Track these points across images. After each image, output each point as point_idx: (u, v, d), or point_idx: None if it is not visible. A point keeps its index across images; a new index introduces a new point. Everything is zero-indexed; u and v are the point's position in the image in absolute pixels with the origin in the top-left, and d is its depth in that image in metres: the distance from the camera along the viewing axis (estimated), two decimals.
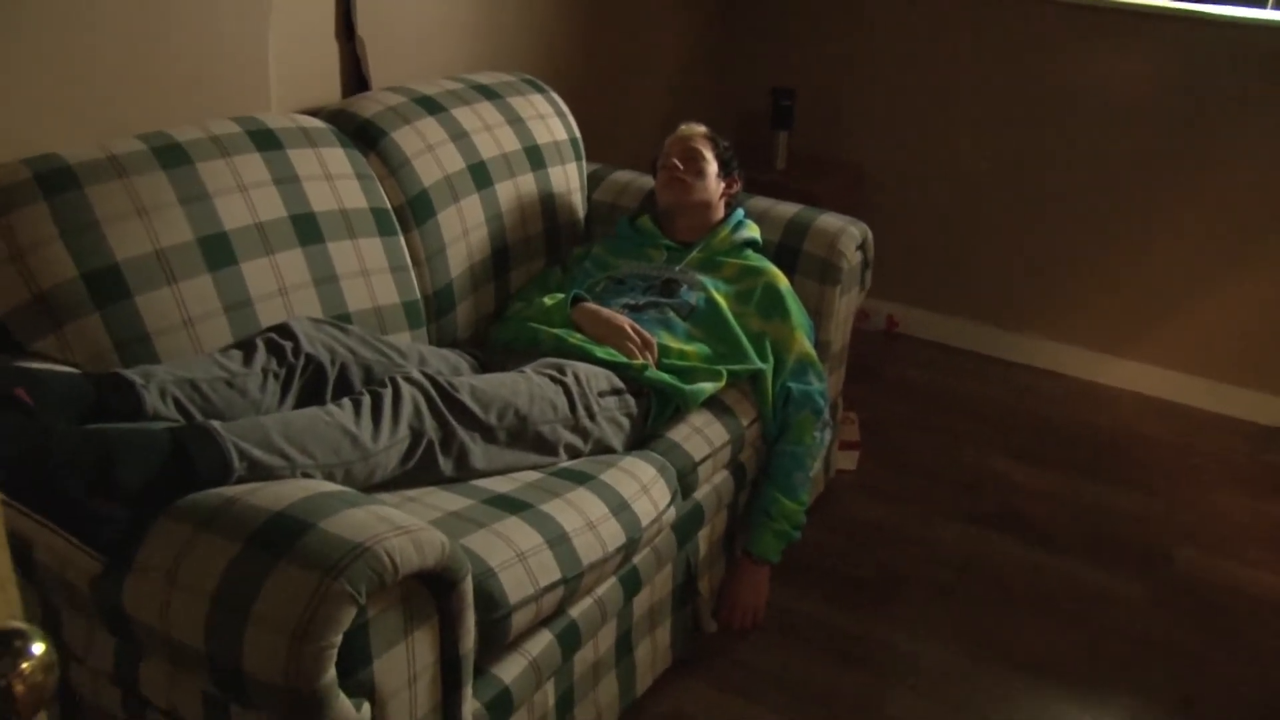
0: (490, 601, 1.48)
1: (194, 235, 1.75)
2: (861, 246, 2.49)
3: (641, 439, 2.03)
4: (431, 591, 1.35)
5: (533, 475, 1.78)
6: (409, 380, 1.66)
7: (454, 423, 1.67)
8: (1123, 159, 3.25)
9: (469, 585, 1.38)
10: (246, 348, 1.73)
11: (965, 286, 3.61)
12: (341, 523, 1.26)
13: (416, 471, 1.65)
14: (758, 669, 2.14)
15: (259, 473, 1.41)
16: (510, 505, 1.64)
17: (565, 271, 2.46)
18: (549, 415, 1.81)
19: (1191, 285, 3.27)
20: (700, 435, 2.05)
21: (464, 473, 1.71)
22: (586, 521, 1.68)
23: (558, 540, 1.61)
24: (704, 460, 2.03)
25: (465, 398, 1.70)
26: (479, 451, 1.71)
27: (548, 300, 2.20)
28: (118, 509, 1.31)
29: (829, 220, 2.46)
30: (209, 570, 1.23)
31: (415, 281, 2.14)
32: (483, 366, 2.07)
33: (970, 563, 2.52)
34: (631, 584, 1.84)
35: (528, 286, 2.42)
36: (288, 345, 1.75)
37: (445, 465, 1.67)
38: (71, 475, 1.28)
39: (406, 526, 1.28)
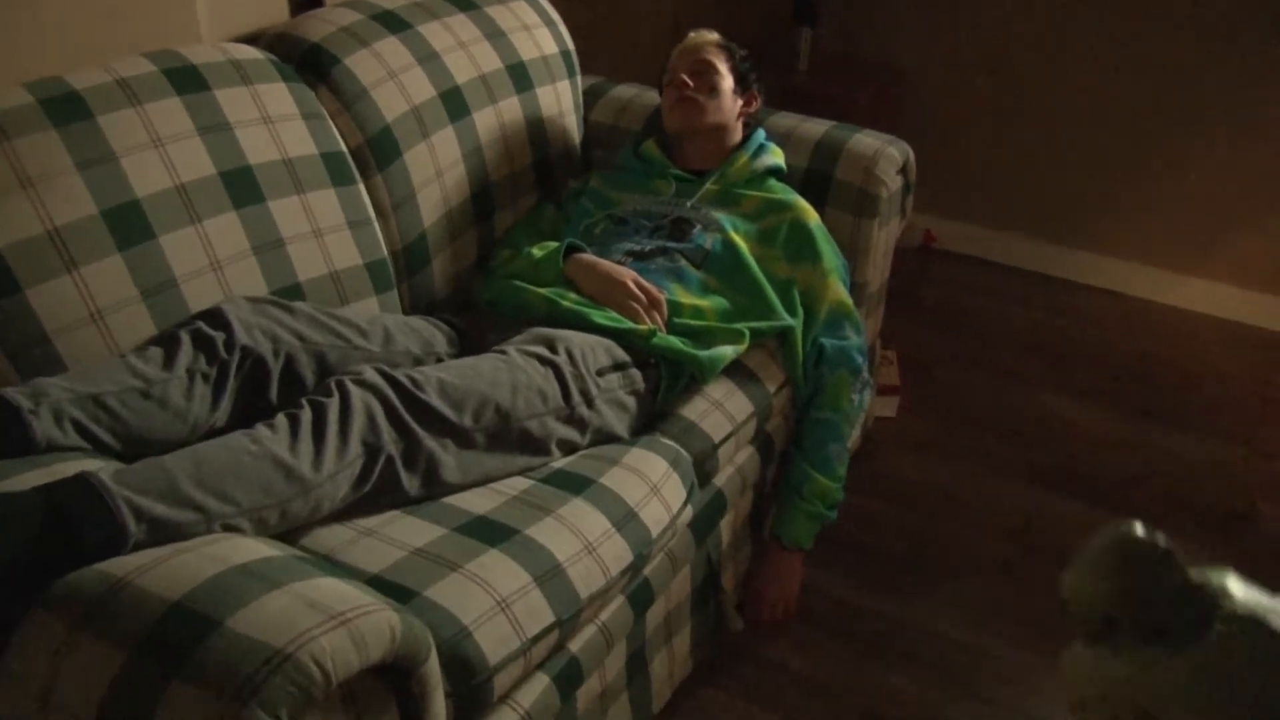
0: (466, 667, 1.20)
1: (97, 208, 1.44)
2: (903, 169, 2.14)
3: (651, 417, 1.73)
4: (386, 681, 1.08)
5: (519, 484, 1.49)
6: (361, 383, 1.36)
7: (419, 430, 1.38)
8: (1190, 46, 2.85)
9: (433, 664, 1.11)
10: (168, 344, 1.43)
11: (1011, 196, 3.24)
12: (255, 617, 0.97)
13: (375, 495, 1.36)
14: (790, 672, 1.88)
15: (164, 532, 1.12)
16: (490, 533, 1.36)
17: (560, 208, 2.13)
18: (537, 407, 1.51)
19: (1273, 192, 2.89)
20: (720, 410, 1.76)
21: (435, 489, 1.42)
22: (584, 544, 1.39)
23: (549, 575, 1.33)
24: (725, 440, 1.73)
25: (432, 398, 1.40)
26: (452, 462, 1.42)
27: (537, 251, 1.88)
28: None
29: (864, 140, 2.11)
30: (90, 686, 0.96)
31: (381, 236, 1.82)
32: (462, 336, 1.76)
33: (1030, 529, 2.23)
34: (643, 599, 1.57)
35: (515, 229, 2.09)
36: (219, 337, 1.45)
37: (411, 484, 1.39)
38: None
39: (343, 613, 1.00)
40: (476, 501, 1.43)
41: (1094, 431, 2.54)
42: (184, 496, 1.14)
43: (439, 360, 1.68)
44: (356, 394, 1.34)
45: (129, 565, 1.04)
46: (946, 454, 2.45)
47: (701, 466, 1.69)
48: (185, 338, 1.43)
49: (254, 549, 1.10)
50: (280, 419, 1.30)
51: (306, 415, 1.30)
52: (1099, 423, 2.57)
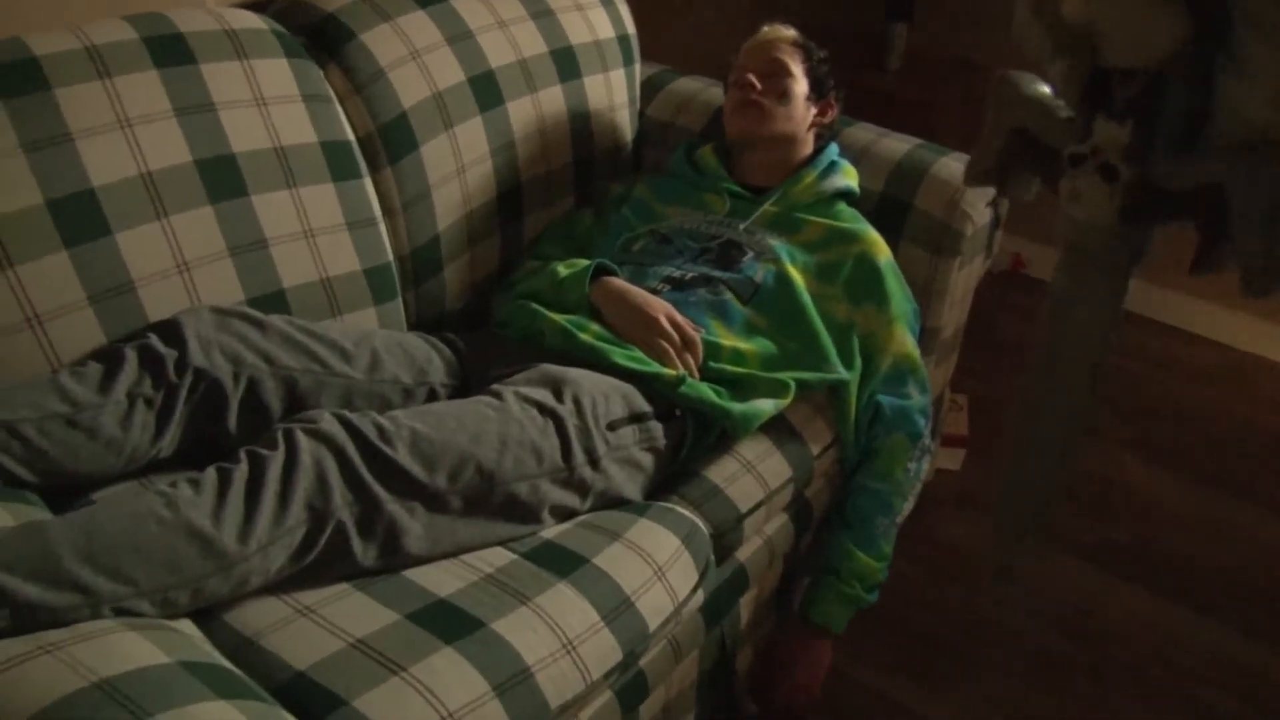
0: None
1: (43, 196, 1.25)
2: (994, 201, 1.87)
3: (670, 476, 1.51)
4: None
5: (497, 557, 1.27)
6: (314, 434, 1.15)
7: (380, 492, 1.17)
8: None
9: None
10: (110, 361, 1.24)
11: None
12: None
13: (320, 566, 1.16)
14: None
15: (33, 619, 0.93)
16: (448, 624, 1.14)
17: (598, 216, 1.90)
18: (528, 468, 1.29)
19: None
20: (751, 473, 1.52)
21: (395, 560, 1.21)
22: (562, 643, 1.18)
23: (511, 682, 1.12)
24: (754, 510, 1.50)
25: (400, 454, 1.19)
26: (419, 529, 1.21)
27: (562, 269, 1.66)
28: None
29: (951, 165, 1.84)
30: None
31: (386, 238, 1.62)
32: (462, 361, 1.55)
33: (1090, 619, 1.96)
34: (634, 695, 1.35)
35: (544, 235, 1.87)
36: (170, 355, 1.25)
37: (365, 555, 1.18)
38: None
39: None
40: (441, 579, 1.21)
41: (1179, 508, 2.24)
42: (65, 575, 0.95)
43: (431, 392, 1.48)
44: (306, 447, 1.13)
45: None
46: None
47: (721, 540, 1.46)
48: (130, 355, 1.24)
49: (131, 654, 0.90)
50: (209, 475, 1.09)
51: (241, 472, 1.10)
52: (1185, 499, 2.27)
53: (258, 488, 1.09)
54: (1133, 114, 0.61)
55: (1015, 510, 0.75)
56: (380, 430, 1.19)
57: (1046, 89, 0.65)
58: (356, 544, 1.16)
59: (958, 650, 1.89)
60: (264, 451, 1.12)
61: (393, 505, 1.18)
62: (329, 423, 1.17)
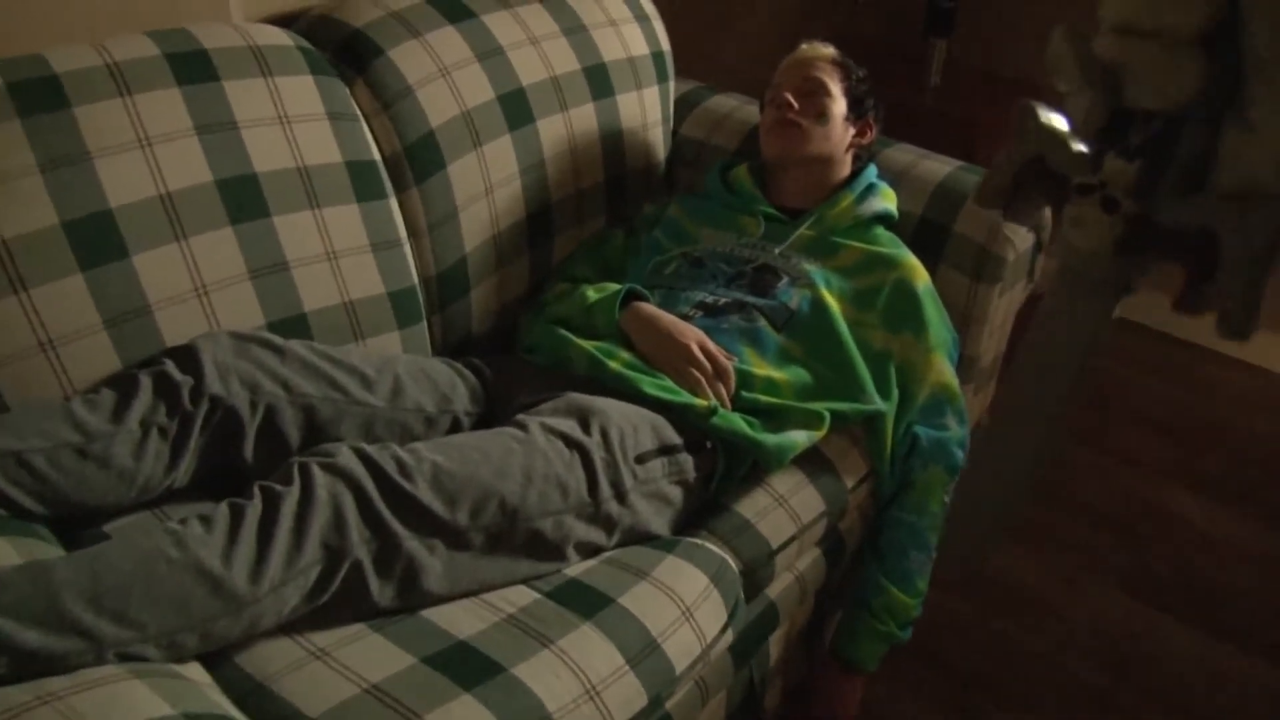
0: None
1: (59, 218, 1.22)
2: (1037, 226, 1.81)
3: (699, 509, 1.46)
4: None
5: (519, 596, 1.22)
6: (330, 469, 1.11)
7: (399, 529, 1.13)
8: None
9: None
10: (124, 387, 1.20)
11: None
12: None
13: (335, 606, 1.11)
14: None
15: (33, 665, 0.89)
16: (467, 668, 1.10)
17: (631, 236, 1.85)
18: (554, 503, 1.25)
19: None
20: (783, 508, 1.47)
21: (414, 599, 1.17)
22: (585, 688, 1.13)
23: None
24: (785, 546, 1.45)
25: (421, 490, 1.14)
26: (439, 568, 1.17)
27: (592, 293, 1.61)
28: None
29: None
30: None
31: (411, 260, 1.58)
32: (487, 388, 1.51)
33: (1133, 656, 1.89)
34: None
35: (574, 256, 1.82)
36: (185, 383, 1.21)
37: (382, 594, 1.13)
38: None
39: None
40: (461, 619, 1.17)
41: (1219, 539, 2.17)
42: (68, 620, 0.91)
43: (455, 421, 1.43)
44: (322, 483, 1.09)
45: None
46: (1042, 548, 2.11)
47: (752, 577, 1.41)
48: (145, 381, 1.21)
49: (134, 705, 0.86)
50: (221, 511, 1.05)
51: (254, 509, 1.06)
52: (1227, 528, 2.20)
53: (271, 525, 1.05)
54: (1143, 155, 0.64)
55: (978, 515, 0.78)
56: (400, 465, 1.15)
57: (1064, 122, 0.68)
58: (374, 583, 1.12)
59: (996, 686, 1.82)
60: (278, 487, 1.08)
61: (412, 543, 1.14)
62: (346, 457, 1.13)
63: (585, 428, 1.32)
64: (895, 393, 1.61)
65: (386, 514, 1.12)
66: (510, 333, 1.75)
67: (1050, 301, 0.71)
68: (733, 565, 1.37)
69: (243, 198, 1.36)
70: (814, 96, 1.74)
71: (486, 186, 1.65)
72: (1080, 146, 0.65)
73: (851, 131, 1.79)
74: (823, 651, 1.66)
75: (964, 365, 1.77)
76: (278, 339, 1.32)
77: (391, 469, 1.14)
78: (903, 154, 1.88)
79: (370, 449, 1.15)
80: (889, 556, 1.59)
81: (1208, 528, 2.20)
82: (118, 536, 1.06)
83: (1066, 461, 2.35)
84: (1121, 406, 2.56)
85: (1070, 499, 2.24)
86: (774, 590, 1.49)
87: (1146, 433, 2.47)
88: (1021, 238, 1.75)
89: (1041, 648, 1.90)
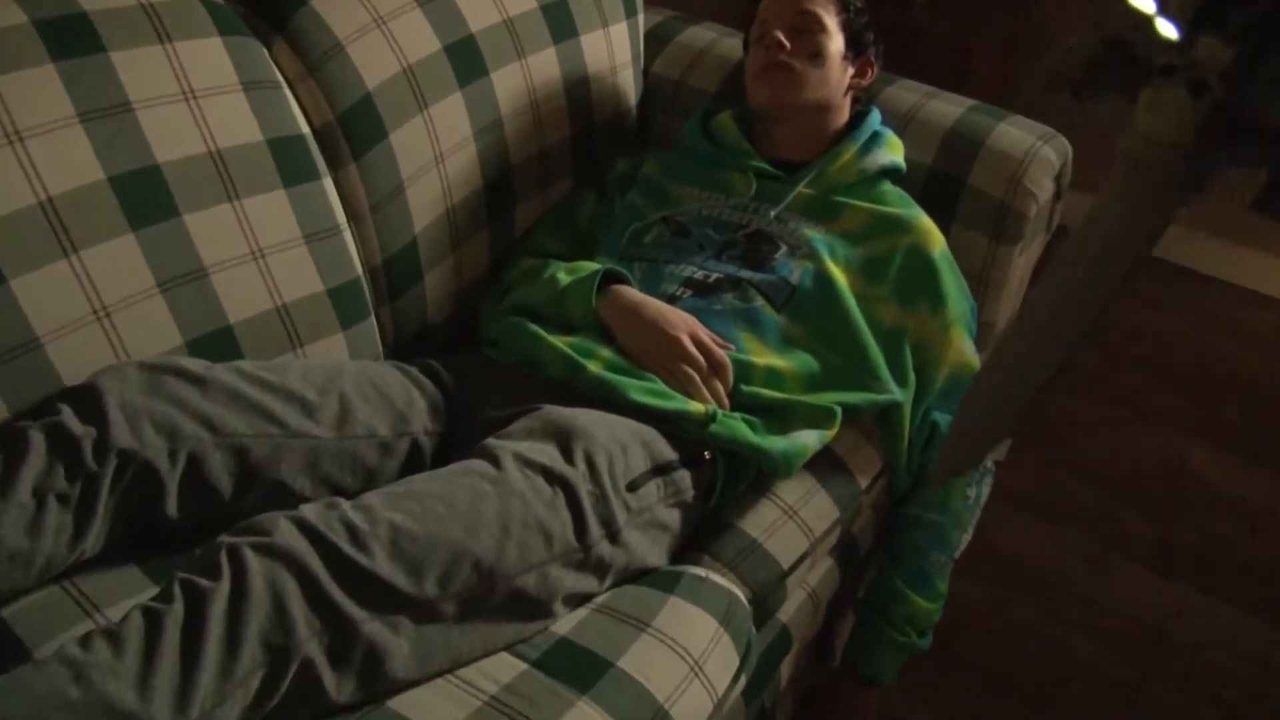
0: None
1: None
2: (1058, 175, 1.61)
3: (699, 526, 1.28)
4: None
5: (500, 668, 1.04)
6: (267, 550, 0.91)
7: (355, 613, 0.93)
8: None
9: None
10: (10, 448, 0.99)
11: None
12: None
13: (284, 711, 0.93)
14: None
15: None
16: None
17: (602, 200, 1.63)
18: (536, 554, 1.06)
19: None
20: (794, 521, 1.30)
21: (378, 688, 0.98)
22: None
23: None
24: (797, 564, 1.28)
25: (379, 562, 0.95)
26: (405, 649, 0.98)
27: (564, 275, 1.41)
28: None
29: (1012, 135, 1.58)
30: None
31: (353, 248, 1.35)
32: (449, 397, 1.30)
33: (1165, 644, 1.76)
34: None
35: (540, 225, 1.61)
36: (87, 435, 1.00)
37: (340, 690, 0.95)
38: None
39: None
40: (436, 706, 0.98)
41: (1241, 498, 2.03)
42: None
43: (413, 444, 1.23)
44: (258, 569, 0.89)
45: None
46: (1058, 520, 1.96)
47: (762, 605, 1.24)
48: (36, 438, 0.99)
49: None
50: (132, 624, 0.85)
51: (175, 614, 0.86)
52: (1251, 487, 2.06)
53: (198, 635, 0.85)
54: (1244, 38, 0.59)
55: (982, 422, 0.76)
56: (352, 532, 0.95)
57: (1153, 3, 0.63)
58: (329, 679, 0.93)
59: (1019, 683, 1.69)
60: (204, 583, 0.88)
61: (371, 625, 0.95)
62: (285, 533, 0.93)
63: (567, 455, 1.12)
64: (912, 377, 1.43)
65: (339, 596, 0.93)
66: (472, 320, 1.54)
67: (1105, 198, 0.65)
68: (742, 598, 1.20)
69: (143, 196, 1.13)
70: (807, 34, 1.52)
71: (436, 155, 1.42)
72: (1170, 26, 0.61)
73: (850, 72, 1.57)
74: (834, 662, 1.51)
75: (980, 331, 1.58)
76: (198, 366, 1.11)
77: (342, 540, 0.94)
78: (906, 93, 1.67)
79: (313, 516, 0.95)
80: (908, 558, 1.43)
81: (1239, 491, 2.04)
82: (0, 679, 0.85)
83: (1078, 421, 2.18)
84: (1142, 356, 2.37)
85: (1085, 464, 2.09)
86: (785, 613, 1.32)
87: (1168, 385, 2.30)
88: (1044, 188, 1.56)
89: (1064, 634, 1.77)
